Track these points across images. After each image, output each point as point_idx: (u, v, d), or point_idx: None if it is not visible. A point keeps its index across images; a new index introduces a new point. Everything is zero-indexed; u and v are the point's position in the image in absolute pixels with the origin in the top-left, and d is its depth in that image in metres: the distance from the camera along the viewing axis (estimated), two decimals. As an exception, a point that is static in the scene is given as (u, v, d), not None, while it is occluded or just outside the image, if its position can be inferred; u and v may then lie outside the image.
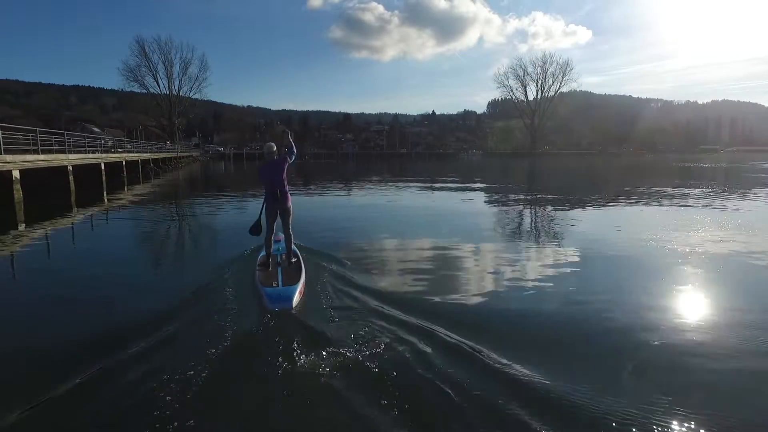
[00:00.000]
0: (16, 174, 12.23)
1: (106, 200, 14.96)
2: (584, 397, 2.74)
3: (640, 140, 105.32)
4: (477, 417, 2.54)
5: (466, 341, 3.46)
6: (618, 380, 2.99)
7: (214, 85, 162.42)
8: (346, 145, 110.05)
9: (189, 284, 4.96)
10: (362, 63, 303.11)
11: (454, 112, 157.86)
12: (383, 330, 3.65)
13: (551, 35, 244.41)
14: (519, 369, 3.06)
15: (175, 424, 2.44)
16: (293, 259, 5.21)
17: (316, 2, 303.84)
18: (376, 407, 2.62)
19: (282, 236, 5.41)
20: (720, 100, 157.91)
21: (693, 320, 4.10)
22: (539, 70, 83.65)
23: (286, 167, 5.12)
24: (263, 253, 5.30)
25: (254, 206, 9.77)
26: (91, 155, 19.65)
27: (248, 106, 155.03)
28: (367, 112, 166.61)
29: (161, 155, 38.02)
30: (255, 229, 5.43)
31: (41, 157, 14.32)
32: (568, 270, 5.84)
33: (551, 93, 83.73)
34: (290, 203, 5.19)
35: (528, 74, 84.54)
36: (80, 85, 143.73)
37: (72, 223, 10.20)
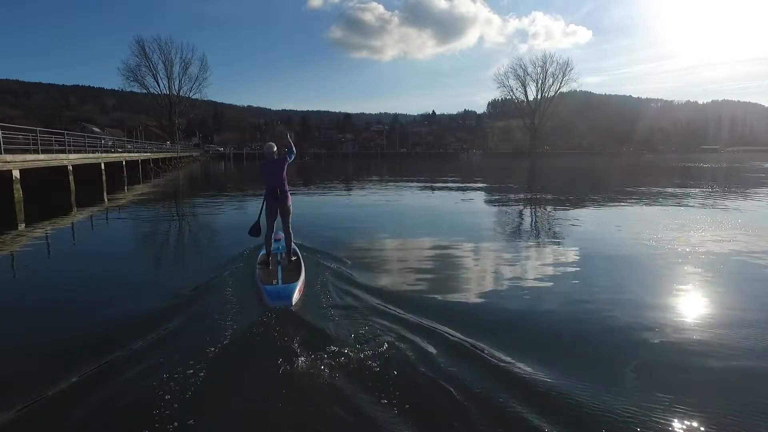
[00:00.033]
0: (16, 174, 12.22)
1: (106, 200, 14.96)
2: (585, 394, 2.74)
3: (640, 140, 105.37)
4: (479, 415, 2.54)
5: (467, 339, 3.46)
6: (619, 378, 2.99)
7: (214, 85, 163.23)
8: (346, 145, 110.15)
9: (189, 283, 4.97)
10: (362, 63, 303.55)
11: (454, 112, 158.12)
12: (384, 328, 3.65)
13: (551, 35, 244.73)
14: (520, 367, 3.06)
15: (176, 424, 2.44)
16: (293, 258, 5.25)
17: (316, 2, 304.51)
18: (377, 405, 2.62)
19: (282, 235, 5.45)
20: (720, 100, 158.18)
21: (693, 319, 4.10)
22: (539, 70, 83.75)
23: (286, 166, 5.18)
24: (263, 251, 5.34)
25: (254, 206, 9.77)
26: (91, 155, 19.65)
27: (248, 106, 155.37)
28: (367, 112, 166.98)
29: (161, 155, 38.03)
30: (254, 230, 5.49)
31: (41, 156, 14.32)
32: (569, 269, 5.84)
33: (551, 93, 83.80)
34: (290, 202, 5.24)
35: (528, 74, 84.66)
36: (80, 85, 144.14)
37: (72, 223, 10.20)
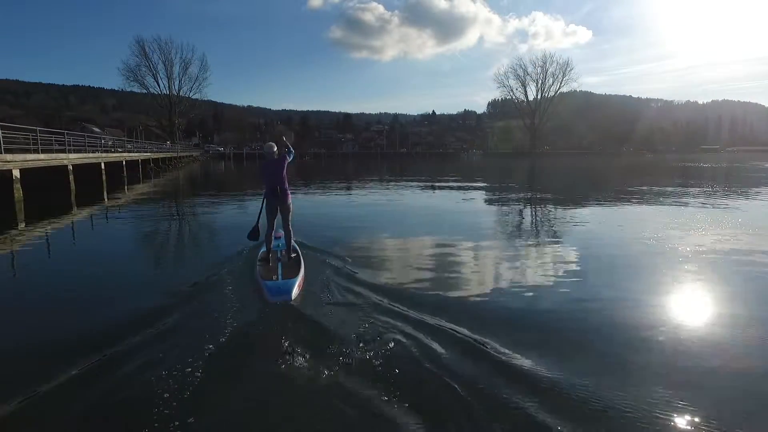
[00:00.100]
0: (16, 173, 12.23)
1: (106, 199, 14.96)
2: (587, 390, 2.75)
3: (640, 140, 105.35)
4: (481, 410, 2.54)
5: (470, 335, 3.47)
6: (620, 374, 2.99)
7: (214, 85, 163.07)
8: (346, 145, 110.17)
9: (189, 281, 4.98)
10: (362, 63, 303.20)
11: (454, 112, 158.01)
12: (385, 325, 3.65)
13: (551, 35, 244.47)
14: (523, 362, 3.07)
15: (176, 423, 2.43)
16: (293, 255, 5.32)
17: (316, 2, 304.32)
18: (377, 402, 2.61)
19: (282, 233, 5.53)
20: (720, 100, 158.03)
21: (694, 317, 4.12)
22: (539, 70, 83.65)
23: (285, 165, 5.28)
24: (263, 249, 5.42)
25: (254, 206, 9.76)
26: (91, 155, 19.65)
27: (248, 106, 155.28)
28: (367, 112, 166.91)
29: (161, 155, 38.01)
30: (253, 234, 5.63)
31: (41, 156, 14.32)
32: (570, 267, 5.84)
33: (551, 93, 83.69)
34: (290, 201, 5.33)
35: (528, 74, 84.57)
36: (80, 85, 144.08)
37: (72, 222, 10.20)
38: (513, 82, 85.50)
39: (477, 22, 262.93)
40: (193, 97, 64.92)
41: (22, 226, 9.48)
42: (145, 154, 32.25)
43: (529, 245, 7.45)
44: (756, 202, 12.91)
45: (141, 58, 60.34)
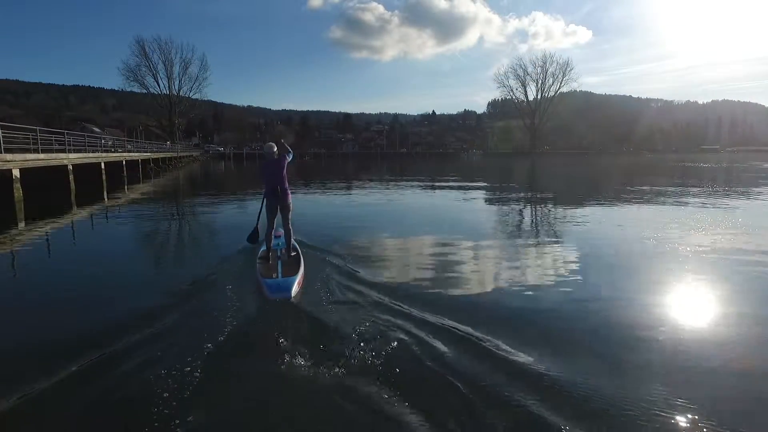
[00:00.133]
0: (16, 173, 12.23)
1: (106, 199, 14.95)
2: (588, 388, 2.75)
3: (640, 140, 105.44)
4: (483, 408, 2.54)
5: (470, 333, 3.47)
6: (620, 372, 2.99)
7: (214, 85, 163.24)
8: (346, 145, 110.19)
9: (189, 280, 4.99)
10: (362, 63, 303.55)
11: (454, 112, 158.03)
12: (385, 323, 3.65)
13: (551, 35, 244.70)
14: (523, 361, 3.07)
15: (176, 421, 2.42)
16: (293, 253, 5.37)
17: (316, 2, 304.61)
18: (378, 401, 2.61)
19: (282, 232, 5.58)
20: (720, 100, 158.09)
21: (694, 316, 4.12)
22: (539, 70, 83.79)
23: (285, 165, 5.36)
24: (263, 247, 5.46)
25: (254, 206, 9.76)
26: (91, 154, 19.65)
27: (248, 106, 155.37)
28: (367, 112, 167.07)
29: (161, 155, 38.00)
30: (253, 237, 5.79)
31: (41, 156, 14.32)
32: (570, 267, 5.83)
33: (551, 93, 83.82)
34: (290, 199, 5.40)
35: (528, 74, 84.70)
36: (80, 85, 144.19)
37: (72, 222, 10.19)
38: (513, 82, 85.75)
39: (477, 22, 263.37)
40: (193, 97, 65.03)
41: (22, 225, 9.48)
42: (145, 154, 32.24)
43: (529, 244, 7.44)
44: (756, 202, 12.91)
45: (141, 58, 60.44)
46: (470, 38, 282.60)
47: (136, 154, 29.94)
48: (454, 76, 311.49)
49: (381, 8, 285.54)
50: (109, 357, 3.16)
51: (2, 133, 12.30)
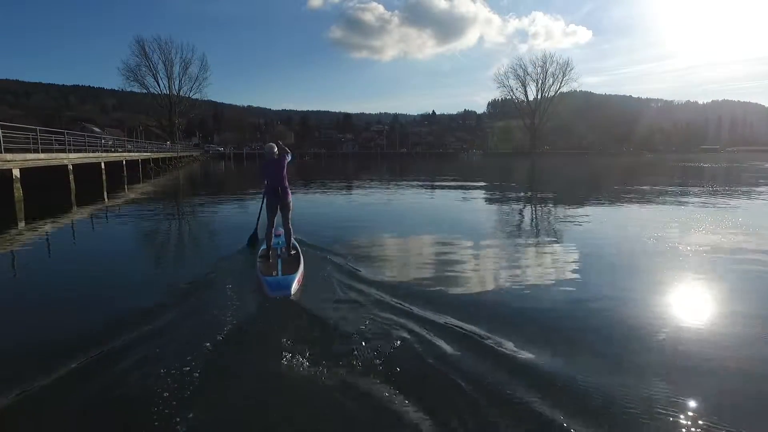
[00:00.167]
0: (16, 173, 12.23)
1: (106, 199, 14.95)
2: (589, 384, 2.77)
3: (640, 140, 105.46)
4: (486, 406, 2.55)
5: (471, 332, 3.47)
6: (621, 372, 2.98)
7: (214, 85, 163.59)
8: (346, 145, 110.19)
9: (189, 279, 4.99)
10: (362, 63, 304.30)
11: (454, 112, 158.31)
12: (385, 321, 3.65)
13: (551, 35, 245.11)
14: (525, 359, 3.07)
15: (177, 419, 2.42)
16: (292, 252, 5.43)
17: (316, 2, 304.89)
18: (380, 399, 2.60)
19: (282, 231, 5.62)
20: (720, 100, 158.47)
21: (694, 314, 4.11)
22: (539, 70, 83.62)
23: (286, 165, 5.44)
24: (264, 246, 5.52)
25: (253, 206, 9.76)
26: (91, 154, 19.65)
27: (248, 106, 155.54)
28: (367, 112, 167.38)
29: (161, 155, 37.99)
30: (253, 240, 5.93)
31: (41, 156, 14.32)
32: (571, 266, 5.84)
33: (551, 93, 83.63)
34: (290, 198, 5.46)
35: (528, 74, 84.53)
36: (80, 85, 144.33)
37: (72, 222, 10.19)
38: (513, 82, 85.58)
39: (477, 22, 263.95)
40: (193, 97, 64.91)
41: (22, 225, 9.48)
42: (145, 154, 32.23)
43: (530, 244, 7.44)
44: (756, 202, 12.91)
45: (141, 58, 60.32)
46: (470, 38, 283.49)
47: (136, 154, 29.93)
48: (454, 76, 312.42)
49: (381, 8, 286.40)
50: (109, 356, 3.16)
51: (2, 133, 12.30)
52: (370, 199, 14.83)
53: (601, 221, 9.83)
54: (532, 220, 10.55)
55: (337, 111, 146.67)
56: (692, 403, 2.60)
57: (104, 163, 19.58)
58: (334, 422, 2.47)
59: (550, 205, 13.25)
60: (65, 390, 2.78)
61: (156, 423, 2.40)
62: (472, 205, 13.69)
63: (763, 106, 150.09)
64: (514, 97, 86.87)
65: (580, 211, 11.51)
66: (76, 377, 2.90)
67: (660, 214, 10.59)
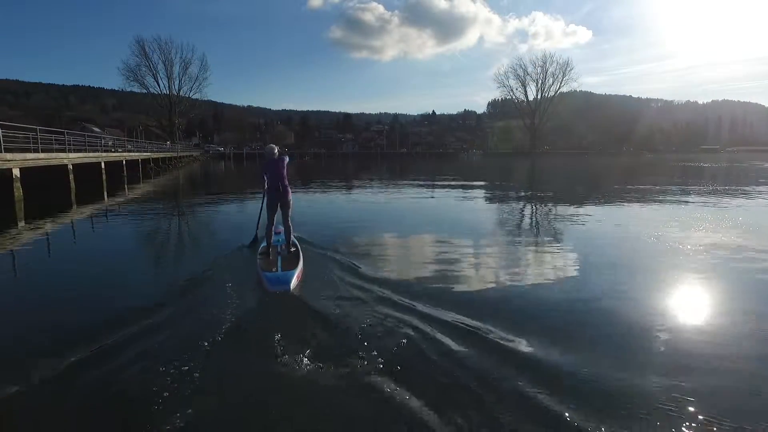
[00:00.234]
0: (16, 172, 12.24)
1: (106, 198, 14.95)
2: (590, 382, 2.78)
3: (640, 140, 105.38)
4: (492, 401, 2.55)
5: (474, 327, 3.48)
6: (622, 368, 2.99)
7: (214, 85, 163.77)
8: (346, 145, 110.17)
9: (189, 278, 4.99)
10: (362, 63, 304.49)
11: (454, 112, 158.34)
12: (386, 317, 3.67)
13: (551, 35, 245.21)
14: (528, 356, 3.09)
15: (177, 414, 2.42)
16: (292, 249, 5.53)
17: (316, 2, 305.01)
18: (382, 396, 2.60)
19: (282, 228, 5.71)
20: (720, 100, 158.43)
21: (694, 311, 4.12)
22: (539, 70, 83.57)
23: (286, 165, 5.58)
24: (264, 243, 5.64)
25: (253, 206, 9.76)
26: (91, 154, 19.65)
27: (248, 106, 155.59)
28: (367, 112, 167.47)
29: (161, 155, 37.99)
30: (254, 243, 6.01)
31: (41, 155, 14.32)
32: (571, 264, 5.84)
33: (551, 93, 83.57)
34: (290, 197, 5.60)
35: (528, 74, 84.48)
36: (80, 85, 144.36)
37: (72, 221, 10.19)
38: (513, 82, 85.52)
39: (477, 22, 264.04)
40: (193, 97, 64.87)
41: (22, 224, 9.48)
42: (145, 153, 32.22)
43: (530, 242, 7.44)
44: (756, 201, 12.91)
45: (141, 57, 60.28)
46: (470, 38, 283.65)
47: (136, 153, 29.92)
48: (454, 76, 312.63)
49: (381, 8, 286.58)
50: (109, 353, 3.16)
51: (2, 132, 12.30)
52: (371, 199, 14.83)
53: (601, 220, 9.82)
54: (532, 220, 10.55)
55: (337, 111, 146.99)
56: (692, 398, 2.62)
57: (104, 163, 19.59)
58: (334, 421, 2.47)
59: (551, 204, 13.24)
60: (65, 387, 2.78)
61: (155, 420, 2.39)
62: (472, 204, 13.69)
63: (763, 106, 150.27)
64: (514, 97, 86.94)
65: (581, 210, 11.50)
66: (75, 374, 2.90)
67: (660, 214, 10.59)
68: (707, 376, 2.93)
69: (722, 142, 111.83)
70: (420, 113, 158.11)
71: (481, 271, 5.63)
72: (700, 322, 3.87)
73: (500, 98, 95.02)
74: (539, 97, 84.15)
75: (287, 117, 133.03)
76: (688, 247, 6.68)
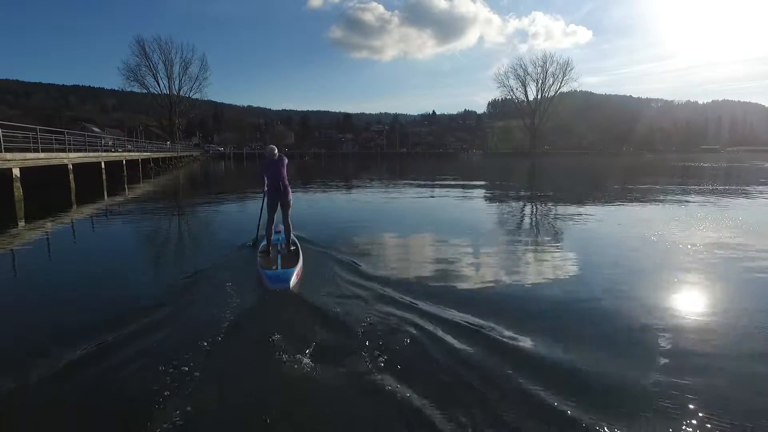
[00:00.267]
0: (16, 172, 12.22)
1: (106, 198, 14.95)
2: (593, 379, 2.79)
3: (640, 140, 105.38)
4: (496, 398, 2.55)
5: (476, 325, 3.48)
6: (624, 366, 2.99)
7: (214, 85, 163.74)
8: (346, 145, 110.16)
9: (189, 277, 4.99)
10: (362, 63, 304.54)
11: (454, 112, 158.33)
12: (387, 315, 3.66)
13: (551, 35, 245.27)
14: (530, 354, 3.09)
15: (177, 412, 2.42)
16: (292, 247, 5.57)
17: (316, 2, 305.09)
18: (382, 394, 2.60)
19: (282, 227, 5.75)
20: (720, 100, 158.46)
21: (694, 310, 4.11)
22: (539, 69, 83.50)
23: (286, 165, 5.64)
24: (264, 242, 5.68)
25: (253, 206, 9.76)
26: (91, 154, 19.64)
27: (248, 106, 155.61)
28: (367, 112, 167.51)
29: (161, 155, 37.98)
30: (255, 244, 6.00)
31: (41, 155, 14.30)
32: (573, 263, 5.83)
33: (551, 93, 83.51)
34: (290, 196, 5.64)
35: (528, 74, 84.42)
36: (80, 85, 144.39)
37: (72, 221, 10.18)
38: (513, 82, 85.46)
39: (477, 22, 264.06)
40: (193, 97, 64.79)
41: (22, 224, 9.47)
42: (145, 153, 32.20)
43: (530, 241, 7.44)
44: (756, 201, 12.91)
45: (141, 57, 60.22)
46: (470, 38, 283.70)
47: (136, 153, 29.91)
48: (454, 76, 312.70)
49: (381, 8, 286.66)
50: (109, 352, 3.15)
51: (2, 132, 12.29)
52: (371, 199, 14.83)
53: (602, 220, 9.82)
54: (532, 219, 10.54)
55: (337, 111, 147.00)
56: (693, 395, 2.62)
57: (104, 162, 19.58)
58: (334, 420, 2.46)
59: (551, 204, 13.24)
60: (65, 386, 2.78)
61: (155, 419, 2.39)
62: (472, 204, 13.69)
63: (763, 106, 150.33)
64: (514, 97, 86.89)
65: (581, 209, 11.50)
66: (75, 373, 2.90)
67: (660, 213, 10.59)
68: (708, 375, 2.93)
69: (722, 142, 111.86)
70: (420, 113, 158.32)
71: (482, 270, 5.62)
72: (701, 321, 3.87)
73: (500, 98, 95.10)
74: (539, 97, 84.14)
75: (287, 117, 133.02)
76: (689, 246, 6.68)
